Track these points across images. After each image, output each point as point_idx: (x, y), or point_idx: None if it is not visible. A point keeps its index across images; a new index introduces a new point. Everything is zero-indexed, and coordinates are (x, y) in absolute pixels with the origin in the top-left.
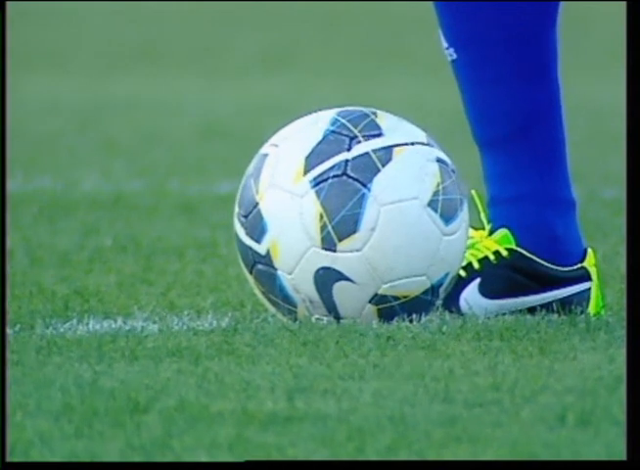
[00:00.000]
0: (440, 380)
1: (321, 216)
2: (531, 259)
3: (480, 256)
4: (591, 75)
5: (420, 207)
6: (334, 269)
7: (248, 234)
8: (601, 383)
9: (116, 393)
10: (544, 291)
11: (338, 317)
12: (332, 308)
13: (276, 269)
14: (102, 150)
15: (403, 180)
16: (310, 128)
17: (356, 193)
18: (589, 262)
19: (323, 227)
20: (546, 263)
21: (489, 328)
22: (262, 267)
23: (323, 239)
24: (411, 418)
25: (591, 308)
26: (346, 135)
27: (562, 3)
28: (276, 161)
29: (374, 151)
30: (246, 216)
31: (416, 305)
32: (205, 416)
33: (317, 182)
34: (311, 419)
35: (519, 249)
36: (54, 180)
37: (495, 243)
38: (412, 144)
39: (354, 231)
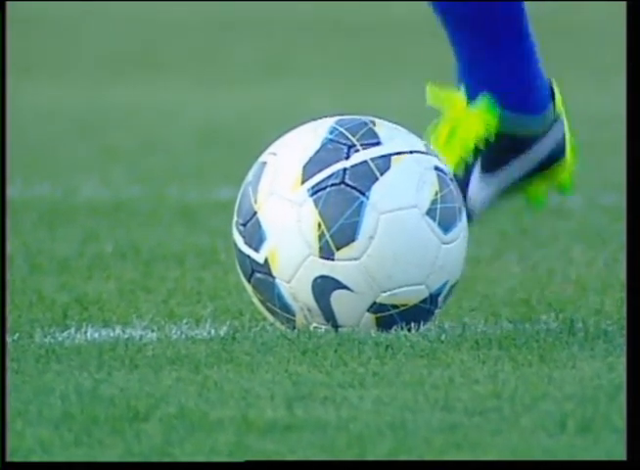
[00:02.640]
0: (440, 388)
1: (319, 225)
2: (513, 127)
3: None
4: (591, 81)
5: (418, 215)
6: (332, 278)
7: (246, 243)
8: (600, 390)
9: (116, 400)
10: (530, 147)
11: (336, 326)
12: (330, 317)
13: (274, 278)
14: (101, 156)
15: (402, 189)
16: (308, 137)
17: (354, 201)
18: (558, 104)
19: (321, 236)
20: (525, 117)
21: (488, 337)
22: (261, 276)
23: (321, 248)
24: (411, 425)
25: (567, 160)
26: (345, 144)
27: None
28: (274, 169)
29: (372, 159)
30: (244, 225)
31: (415, 314)
32: (204, 424)
33: (315, 191)
34: (311, 427)
35: (501, 130)
36: (53, 187)
37: (479, 120)
38: (410, 152)
39: (353, 239)
